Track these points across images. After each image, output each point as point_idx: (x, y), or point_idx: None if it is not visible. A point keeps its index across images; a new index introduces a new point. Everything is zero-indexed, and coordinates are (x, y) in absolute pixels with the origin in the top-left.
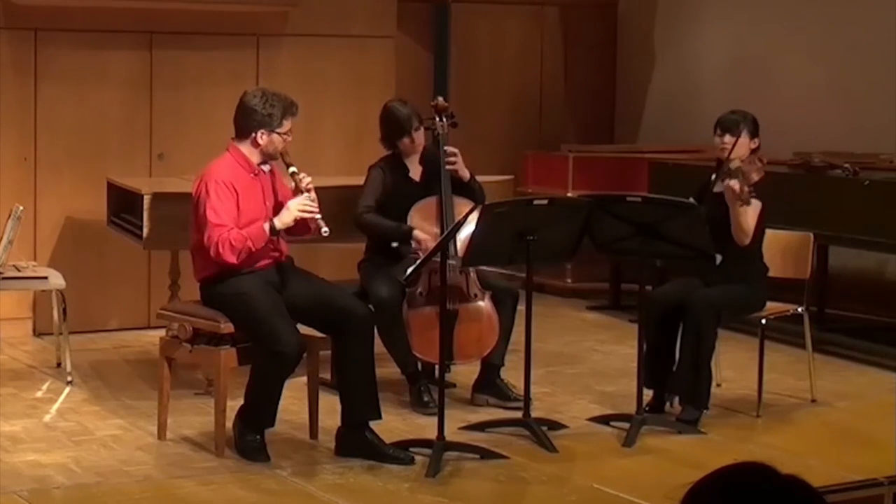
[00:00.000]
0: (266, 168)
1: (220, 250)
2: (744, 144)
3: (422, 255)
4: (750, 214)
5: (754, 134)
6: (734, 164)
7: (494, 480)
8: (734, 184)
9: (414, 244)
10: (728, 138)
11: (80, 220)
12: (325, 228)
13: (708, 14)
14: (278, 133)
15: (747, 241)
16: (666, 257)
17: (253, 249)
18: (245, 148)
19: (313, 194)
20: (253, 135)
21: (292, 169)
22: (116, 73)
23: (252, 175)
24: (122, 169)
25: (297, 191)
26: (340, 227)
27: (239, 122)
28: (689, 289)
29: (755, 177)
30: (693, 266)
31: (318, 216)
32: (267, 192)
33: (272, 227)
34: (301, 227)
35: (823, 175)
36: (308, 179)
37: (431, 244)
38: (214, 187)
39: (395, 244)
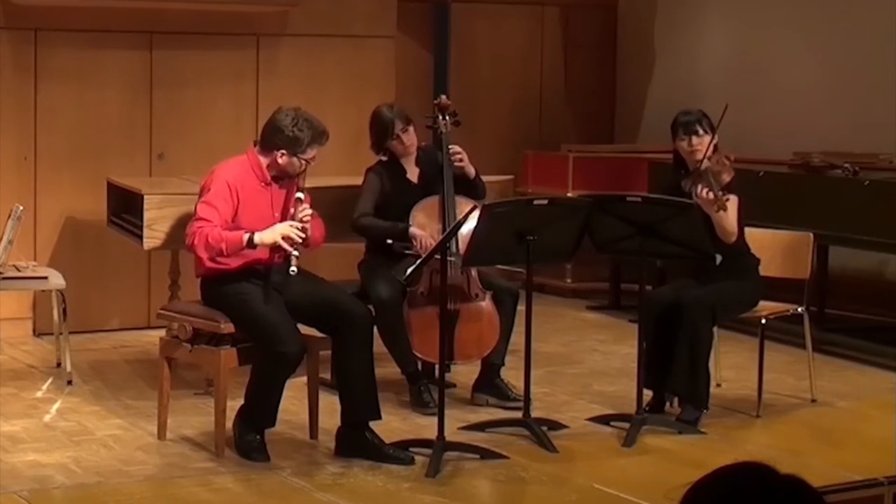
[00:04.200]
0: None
1: (195, 242)
2: (708, 142)
3: (422, 254)
4: (730, 213)
5: (713, 129)
6: (703, 166)
7: (494, 480)
8: (707, 193)
9: (415, 244)
10: (696, 140)
11: (80, 220)
12: (293, 267)
13: (708, 14)
14: (300, 158)
15: (734, 238)
16: (666, 257)
17: (225, 253)
18: (263, 159)
19: (306, 226)
20: (274, 153)
21: (299, 195)
22: (116, 73)
23: (263, 184)
24: (122, 169)
25: (293, 217)
26: (340, 227)
27: (265, 134)
28: (684, 289)
29: (726, 177)
30: (692, 266)
31: (296, 253)
32: (276, 202)
33: (251, 240)
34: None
35: (823, 175)
36: (307, 212)
37: (430, 241)
38: (219, 185)
39: (389, 241)
